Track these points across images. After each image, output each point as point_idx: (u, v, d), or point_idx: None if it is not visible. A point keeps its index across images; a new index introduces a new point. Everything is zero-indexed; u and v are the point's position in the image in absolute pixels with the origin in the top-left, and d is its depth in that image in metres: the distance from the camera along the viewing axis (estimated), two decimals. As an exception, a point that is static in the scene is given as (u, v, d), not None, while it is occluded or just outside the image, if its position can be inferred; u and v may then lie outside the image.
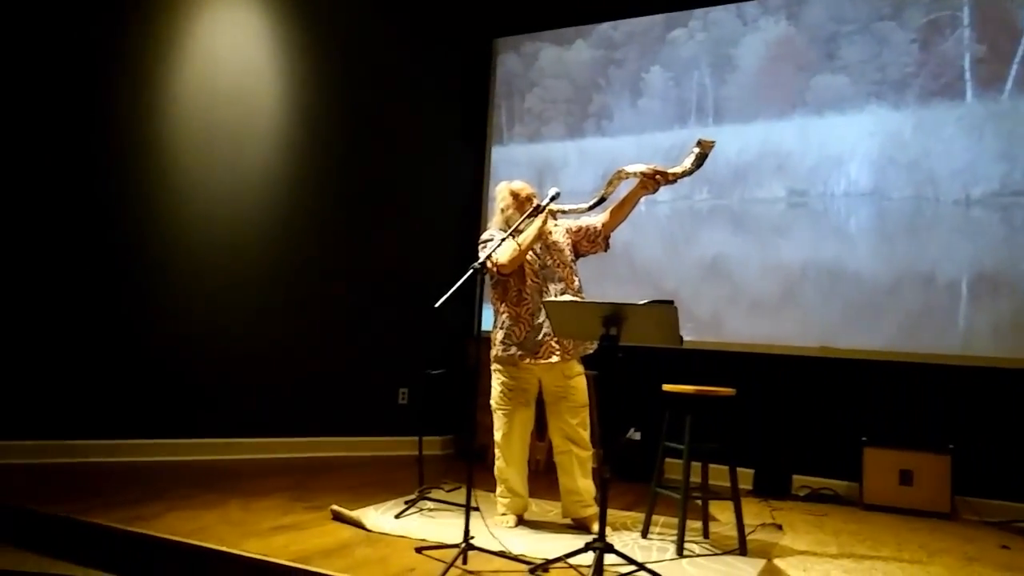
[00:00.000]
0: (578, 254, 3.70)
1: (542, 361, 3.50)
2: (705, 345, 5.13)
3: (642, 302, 2.84)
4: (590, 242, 3.67)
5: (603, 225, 3.64)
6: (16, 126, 4.33)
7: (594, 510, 3.51)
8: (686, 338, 2.95)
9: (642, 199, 3.57)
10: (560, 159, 5.94)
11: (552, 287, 3.54)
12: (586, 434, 3.59)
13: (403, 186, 5.76)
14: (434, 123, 6.00)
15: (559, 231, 3.66)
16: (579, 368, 3.59)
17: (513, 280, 3.56)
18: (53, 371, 4.43)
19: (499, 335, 3.59)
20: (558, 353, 3.48)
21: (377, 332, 5.54)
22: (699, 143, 3.28)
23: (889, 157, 4.87)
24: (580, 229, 3.68)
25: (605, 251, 3.73)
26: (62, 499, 3.49)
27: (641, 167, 3.41)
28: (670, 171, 3.36)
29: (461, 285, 3.09)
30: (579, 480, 3.56)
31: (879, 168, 4.90)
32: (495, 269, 3.47)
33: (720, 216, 5.35)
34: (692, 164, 3.29)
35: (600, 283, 4.94)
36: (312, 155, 5.39)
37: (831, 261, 4.97)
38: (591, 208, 3.60)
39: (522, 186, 3.72)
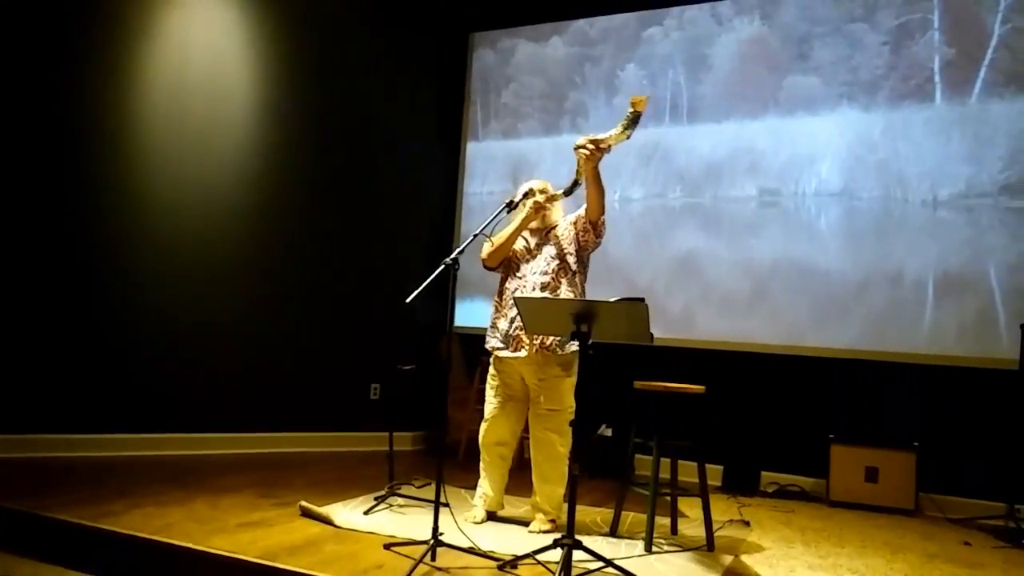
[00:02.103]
0: (582, 246, 3.59)
1: (514, 355, 3.49)
2: (676, 342, 5.15)
3: (613, 299, 2.85)
4: (584, 231, 3.56)
5: (586, 211, 3.57)
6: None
7: (545, 518, 3.46)
8: (657, 335, 2.95)
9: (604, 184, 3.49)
10: (535, 155, 5.93)
11: (528, 275, 3.53)
12: (558, 439, 3.46)
13: (377, 180, 5.73)
14: (409, 118, 5.97)
15: (565, 223, 3.65)
16: (558, 371, 3.47)
17: (502, 273, 3.66)
18: (16, 365, 4.35)
19: (487, 325, 3.66)
20: (526, 348, 3.46)
21: (349, 327, 5.50)
22: (632, 102, 3.16)
23: (859, 158, 4.93)
24: (577, 220, 3.61)
25: (598, 238, 3.58)
26: (27, 495, 3.43)
27: (579, 139, 3.37)
28: (601, 137, 3.30)
29: (432, 280, 3.08)
30: (539, 483, 3.51)
31: (849, 168, 4.95)
32: (482, 262, 3.65)
33: (692, 214, 5.38)
34: (623, 126, 3.21)
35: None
36: (283, 149, 5.34)
37: (801, 260, 5.02)
38: (568, 192, 3.55)
39: (531, 183, 3.69)
